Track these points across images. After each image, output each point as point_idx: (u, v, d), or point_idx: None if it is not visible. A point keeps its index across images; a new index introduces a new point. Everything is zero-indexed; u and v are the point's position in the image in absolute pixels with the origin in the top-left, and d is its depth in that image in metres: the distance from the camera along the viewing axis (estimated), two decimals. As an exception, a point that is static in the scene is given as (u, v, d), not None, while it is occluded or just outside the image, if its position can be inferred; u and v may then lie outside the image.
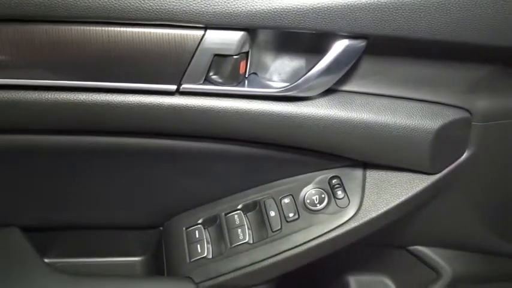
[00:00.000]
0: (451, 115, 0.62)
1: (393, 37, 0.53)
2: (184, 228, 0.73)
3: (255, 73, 0.60)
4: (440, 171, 0.67)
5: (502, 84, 0.62)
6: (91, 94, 0.56)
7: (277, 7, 0.51)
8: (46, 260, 0.73)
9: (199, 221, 0.73)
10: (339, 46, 0.54)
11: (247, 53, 0.57)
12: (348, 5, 0.51)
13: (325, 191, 0.69)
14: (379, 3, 0.51)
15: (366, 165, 0.69)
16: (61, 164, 0.67)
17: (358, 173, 0.69)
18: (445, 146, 0.64)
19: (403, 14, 0.52)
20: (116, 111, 0.57)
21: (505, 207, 0.77)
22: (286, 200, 0.70)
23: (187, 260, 0.70)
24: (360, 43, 0.55)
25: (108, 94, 0.56)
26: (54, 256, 0.77)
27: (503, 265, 0.88)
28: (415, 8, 0.52)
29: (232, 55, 0.54)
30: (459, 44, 0.55)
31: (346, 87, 0.61)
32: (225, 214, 0.72)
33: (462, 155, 0.66)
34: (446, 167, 0.67)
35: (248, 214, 0.71)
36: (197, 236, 0.72)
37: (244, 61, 0.57)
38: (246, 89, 0.58)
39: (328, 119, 0.59)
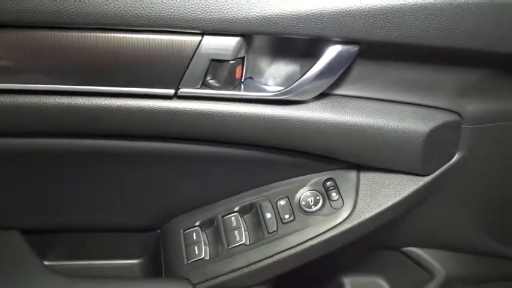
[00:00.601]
0: (442, 118, 0.63)
1: (385, 42, 0.54)
2: (181, 231, 0.73)
3: (250, 77, 0.61)
4: (431, 173, 0.67)
5: (491, 88, 0.63)
6: (90, 98, 0.57)
7: (272, 14, 0.52)
8: (45, 263, 0.73)
9: (197, 223, 0.73)
10: (332, 51, 0.55)
11: (243, 58, 0.57)
12: (340, 12, 0.52)
13: (320, 193, 0.70)
14: (371, 9, 0.52)
15: (359, 167, 0.69)
16: (60, 167, 0.68)
17: (352, 175, 0.69)
18: (436, 148, 0.65)
19: (394, 21, 0.53)
20: (115, 115, 0.57)
21: (496, 209, 0.78)
22: (282, 202, 0.70)
23: (185, 262, 0.71)
24: (353, 48, 0.56)
25: (107, 98, 0.57)
26: (54, 258, 0.77)
27: (497, 266, 0.88)
28: (406, 14, 0.53)
29: (229, 60, 0.55)
30: (449, 49, 0.55)
31: (339, 91, 0.62)
32: (222, 216, 0.72)
33: (453, 157, 0.67)
34: (438, 169, 0.67)
35: (245, 216, 0.72)
36: (195, 238, 0.72)
37: (240, 66, 0.58)
38: (242, 93, 0.59)
39: (321, 122, 0.60)
